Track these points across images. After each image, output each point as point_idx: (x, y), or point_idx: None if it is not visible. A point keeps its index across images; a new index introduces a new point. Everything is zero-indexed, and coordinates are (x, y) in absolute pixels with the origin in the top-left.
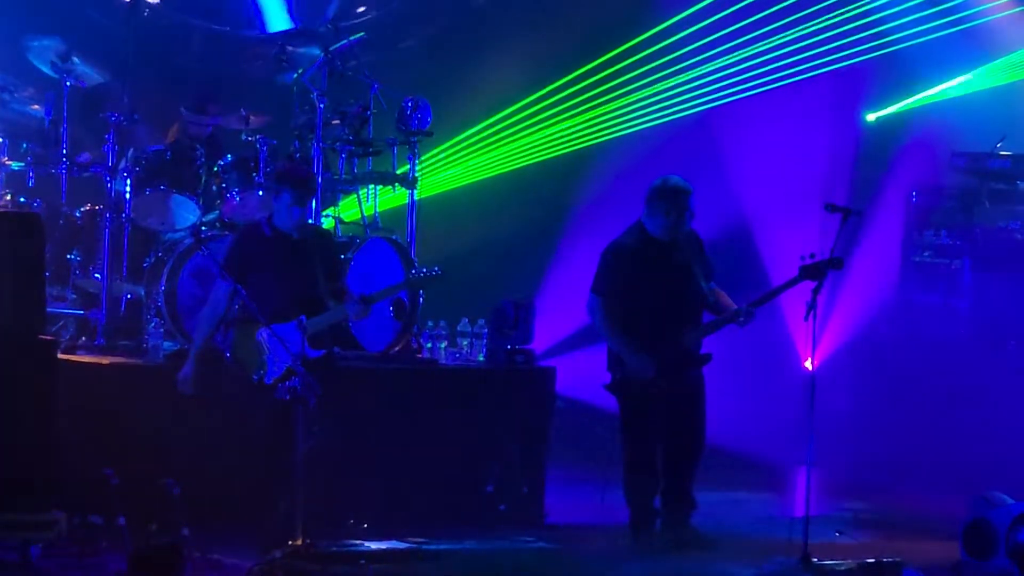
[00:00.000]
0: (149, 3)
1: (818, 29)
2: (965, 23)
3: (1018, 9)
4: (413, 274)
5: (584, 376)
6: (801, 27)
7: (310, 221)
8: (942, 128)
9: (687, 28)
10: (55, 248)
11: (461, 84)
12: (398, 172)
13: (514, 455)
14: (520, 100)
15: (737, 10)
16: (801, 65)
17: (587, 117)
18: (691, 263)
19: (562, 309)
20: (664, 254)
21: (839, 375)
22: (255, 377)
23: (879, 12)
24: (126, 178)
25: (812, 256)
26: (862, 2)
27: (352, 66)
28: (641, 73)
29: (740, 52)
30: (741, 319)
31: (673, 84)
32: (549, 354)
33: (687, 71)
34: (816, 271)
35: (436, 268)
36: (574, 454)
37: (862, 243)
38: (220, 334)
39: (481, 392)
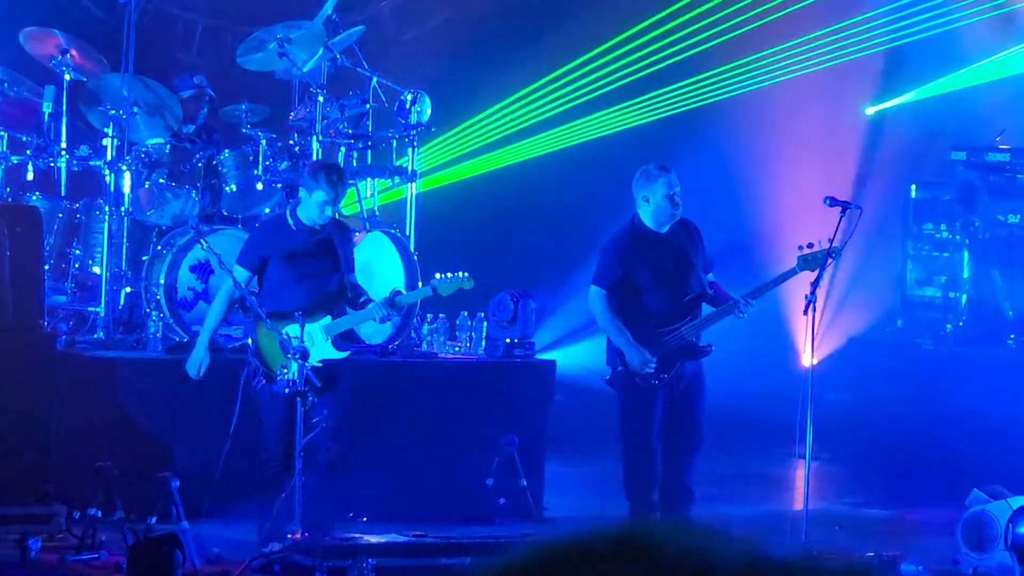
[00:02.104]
0: None
1: (818, 23)
2: (966, 19)
3: (1018, 6)
4: (440, 281)
5: (584, 369)
6: (801, 20)
7: None
8: (941, 122)
9: (688, 23)
10: (54, 241)
11: (461, 77)
12: (397, 165)
13: (513, 448)
14: (521, 93)
15: (737, 4)
16: (801, 59)
17: (589, 111)
18: (690, 255)
19: (563, 302)
20: (662, 246)
21: (838, 369)
22: (279, 372)
23: (880, 7)
24: (125, 171)
25: (810, 246)
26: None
27: (351, 59)
28: (642, 67)
29: (741, 46)
30: (740, 310)
31: (674, 79)
32: (550, 347)
33: (688, 66)
34: (814, 261)
35: (466, 275)
36: (573, 447)
37: (861, 237)
38: (228, 328)
39: (480, 386)
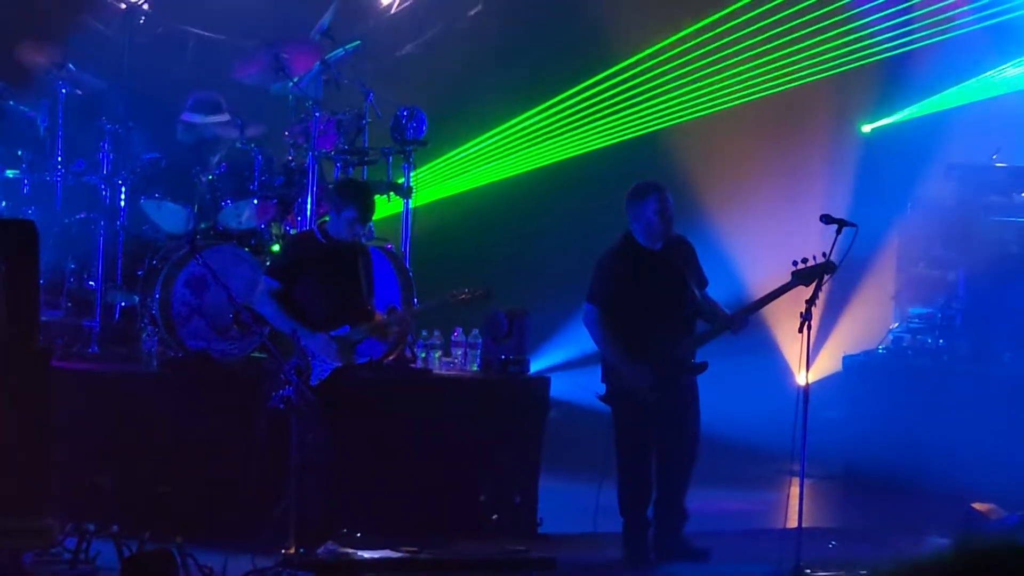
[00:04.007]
0: (144, 10)
1: (813, 36)
2: (960, 29)
3: (1017, 14)
4: (455, 294)
5: (579, 385)
6: (796, 35)
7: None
8: (938, 139)
9: (682, 36)
10: (50, 256)
11: (456, 93)
12: (393, 181)
13: (507, 464)
14: (516, 108)
15: (732, 17)
16: (796, 74)
17: (583, 125)
18: (684, 272)
19: (557, 319)
20: (657, 263)
21: (833, 386)
22: (285, 372)
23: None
24: (121, 186)
25: (804, 261)
26: (857, 10)
27: (347, 75)
28: (637, 80)
29: (736, 59)
30: (735, 326)
31: (670, 92)
32: (543, 363)
33: (683, 79)
34: (809, 276)
35: (482, 288)
36: (567, 463)
37: (857, 255)
38: (223, 344)
39: (475, 402)
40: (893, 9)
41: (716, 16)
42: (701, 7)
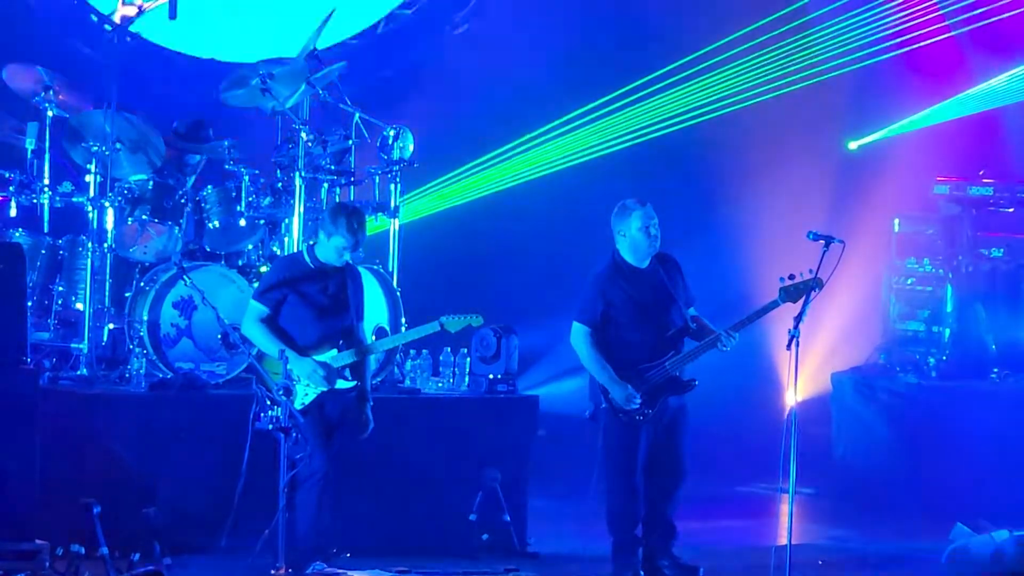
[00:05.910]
0: (131, 32)
1: (798, 50)
2: (949, 33)
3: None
4: (448, 320)
5: (567, 404)
6: (782, 48)
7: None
8: (924, 155)
9: (670, 52)
10: (37, 278)
11: (443, 112)
12: (380, 201)
13: (496, 484)
14: (502, 127)
15: (720, 33)
16: (781, 81)
17: (569, 140)
18: (671, 289)
19: (547, 338)
20: (643, 281)
21: (821, 403)
22: (277, 387)
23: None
24: (108, 207)
25: (792, 278)
26: (844, 23)
27: (334, 95)
28: (622, 96)
29: (722, 74)
30: (723, 344)
31: (655, 107)
32: (532, 382)
33: (670, 93)
34: (797, 292)
35: (473, 316)
36: (557, 482)
37: (844, 271)
38: (212, 365)
39: (463, 421)
40: (864, 13)
41: (707, 48)
42: (690, 27)
